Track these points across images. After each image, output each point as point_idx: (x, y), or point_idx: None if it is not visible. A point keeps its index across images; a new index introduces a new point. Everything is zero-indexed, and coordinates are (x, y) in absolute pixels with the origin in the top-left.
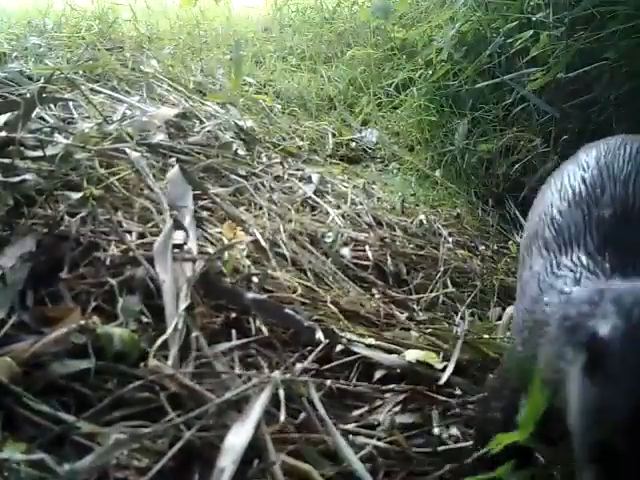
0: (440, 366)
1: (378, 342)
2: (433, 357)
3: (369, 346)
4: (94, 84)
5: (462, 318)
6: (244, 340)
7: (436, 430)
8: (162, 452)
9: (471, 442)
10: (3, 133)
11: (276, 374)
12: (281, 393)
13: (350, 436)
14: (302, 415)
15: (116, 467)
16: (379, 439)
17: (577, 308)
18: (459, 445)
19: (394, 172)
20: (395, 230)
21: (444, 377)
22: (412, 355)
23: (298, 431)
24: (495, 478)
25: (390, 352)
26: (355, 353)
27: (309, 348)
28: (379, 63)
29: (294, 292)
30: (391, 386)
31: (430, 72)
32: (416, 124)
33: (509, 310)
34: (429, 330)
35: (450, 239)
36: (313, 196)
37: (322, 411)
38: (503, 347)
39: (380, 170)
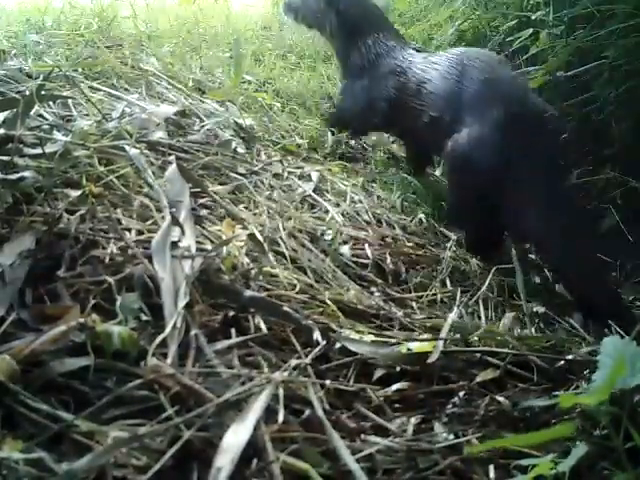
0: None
1: (378, 339)
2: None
3: (368, 344)
4: (93, 82)
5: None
6: (243, 338)
7: (436, 426)
8: (161, 451)
9: (470, 437)
10: (2, 130)
11: (276, 374)
12: (280, 393)
13: (350, 435)
14: (303, 415)
15: (115, 466)
16: (379, 437)
17: None
18: (459, 440)
19: (393, 170)
20: (394, 229)
21: (434, 356)
22: (415, 346)
23: (298, 431)
24: None
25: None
26: (355, 353)
27: (308, 348)
28: None
29: (293, 290)
30: (391, 386)
31: None
32: None
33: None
34: (429, 325)
35: (450, 237)
36: (312, 194)
37: (320, 411)
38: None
39: (379, 169)
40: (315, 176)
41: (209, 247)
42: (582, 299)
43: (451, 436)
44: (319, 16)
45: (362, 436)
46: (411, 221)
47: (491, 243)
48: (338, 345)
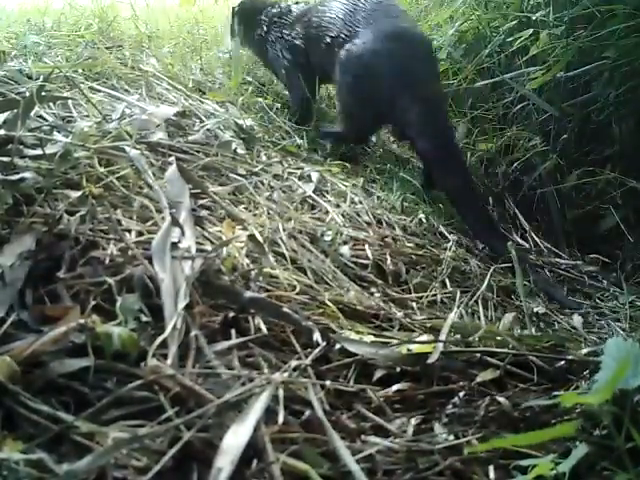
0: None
1: (378, 340)
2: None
3: (368, 345)
4: (93, 82)
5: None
6: (243, 339)
7: (436, 427)
8: (161, 452)
9: (470, 437)
10: (2, 132)
11: (276, 375)
12: (280, 394)
13: (350, 436)
14: (303, 416)
15: (115, 466)
16: (379, 437)
17: None
18: (459, 441)
19: (394, 171)
20: (395, 229)
21: (434, 357)
22: (415, 347)
23: (299, 432)
24: None
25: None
26: (355, 354)
27: (308, 349)
28: None
29: (293, 291)
30: (391, 386)
31: None
32: None
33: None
34: (429, 325)
35: (450, 238)
36: (312, 195)
37: (320, 412)
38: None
39: (379, 169)
40: (315, 177)
41: (209, 248)
42: (448, 188)
43: (451, 436)
44: (240, 34)
45: (362, 437)
46: (411, 222)
47: (369, 134)
48: (338, 346)
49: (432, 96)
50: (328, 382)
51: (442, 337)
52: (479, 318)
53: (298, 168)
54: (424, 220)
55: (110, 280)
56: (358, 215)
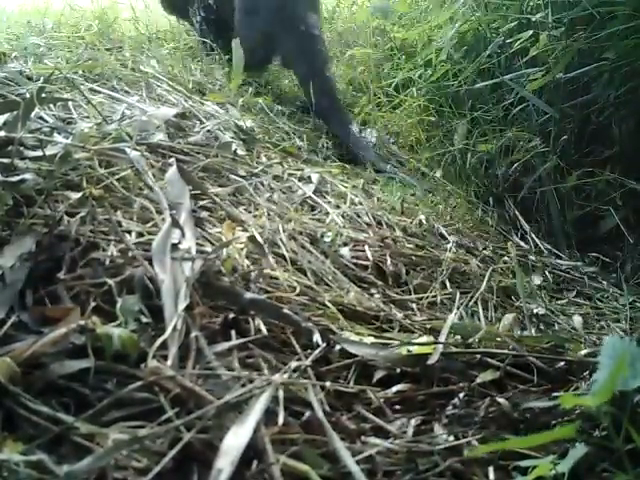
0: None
1: (378, 341)
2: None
3: (369, 346)
4: (93, 84)
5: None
6: (243, 340)
7: (436, 428)
8: (161, 453)
9: (470, 438)
10: (3, 133)
11: (276, 376)
12: (280, 395)
13: (350, 437)
14: (303, 417)
15: (115, 467)
16: (379, 438)
17: None
18: (459, 442)
19: (394, 170)
20: (395, 230)
21: (434, 358)
22: (415, 348)
23: (299, 433)
24: None
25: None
26: (355, 355)
27: (308, 350)
28: (378, 63)
29: (293, 292)
30: (391, 387)
31: (429, 72)
32: (416, 124)
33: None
34: (429, 326)
35: (450, 239)
36: (312, 196)
37: (320, 412)
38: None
39: (379, 170)
40: (315, 178)
41: (209, 249)
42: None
43: (451, 437)
44: None
45: (362, 438)
46: (411, 223)
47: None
48: (338, 347)
49: (308, 27)
50: (328, 383)
51: (442, 338)
52: (479, 319)
53: (298, 169)
54: (424, 221)
55: (110, 281)
56: (358, 216)
